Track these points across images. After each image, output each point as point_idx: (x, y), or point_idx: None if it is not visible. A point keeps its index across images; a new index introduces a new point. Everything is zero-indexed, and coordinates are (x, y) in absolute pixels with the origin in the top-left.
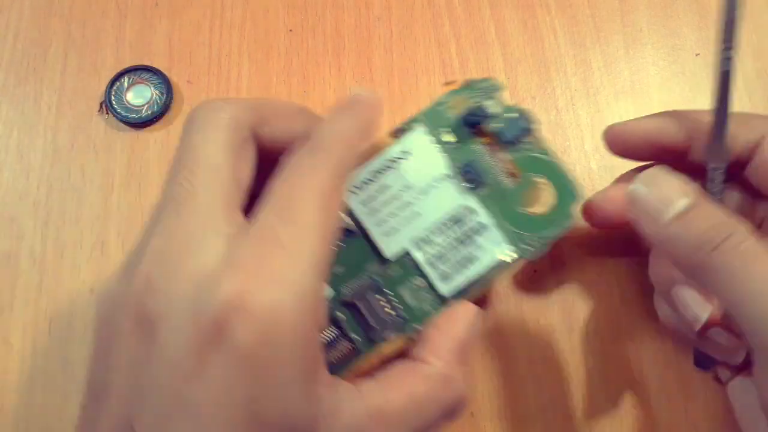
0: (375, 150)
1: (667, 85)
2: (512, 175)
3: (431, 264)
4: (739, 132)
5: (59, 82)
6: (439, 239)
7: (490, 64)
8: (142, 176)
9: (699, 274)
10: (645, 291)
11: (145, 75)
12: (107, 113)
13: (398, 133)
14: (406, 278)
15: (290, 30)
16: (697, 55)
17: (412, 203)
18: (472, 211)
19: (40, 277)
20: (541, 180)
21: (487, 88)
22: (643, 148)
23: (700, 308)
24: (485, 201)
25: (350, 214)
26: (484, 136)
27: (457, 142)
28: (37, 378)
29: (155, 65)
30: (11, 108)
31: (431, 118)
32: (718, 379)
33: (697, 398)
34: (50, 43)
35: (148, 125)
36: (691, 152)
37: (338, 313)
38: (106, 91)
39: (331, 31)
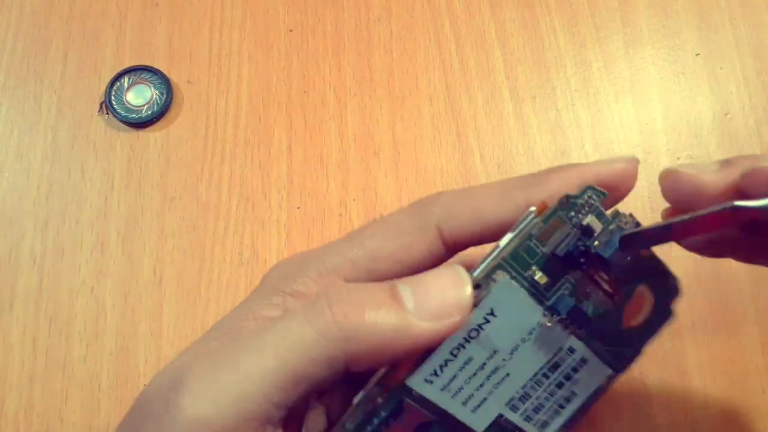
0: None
1: (667, 85)
2: (610, 293)
3: (527, 418)
4: None
5: (59, 82)
6: (535, 392)
7: (490, 64)
8: (142, 176)
9: None
10: None
11: (145, 75)
12: (107, 113)
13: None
14: None
15: (290, 30)
16: (697, 55)
17: (501, 366)
18: (571, 351)
19: (40, 277)
20: (641, 288)
21: (589, 200)
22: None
23: None
24: (584, 334)
25: (428, 405)
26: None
27: (551, 278)
28: (37, 378)
29: (155, 65)
30: (11, 108)
31: (518, 259)
32: None
33: (697, 398)
34: (50, 43)
35: (148, 125)
36: None
37: None
38: (106, 91)
39: (331, 31)
